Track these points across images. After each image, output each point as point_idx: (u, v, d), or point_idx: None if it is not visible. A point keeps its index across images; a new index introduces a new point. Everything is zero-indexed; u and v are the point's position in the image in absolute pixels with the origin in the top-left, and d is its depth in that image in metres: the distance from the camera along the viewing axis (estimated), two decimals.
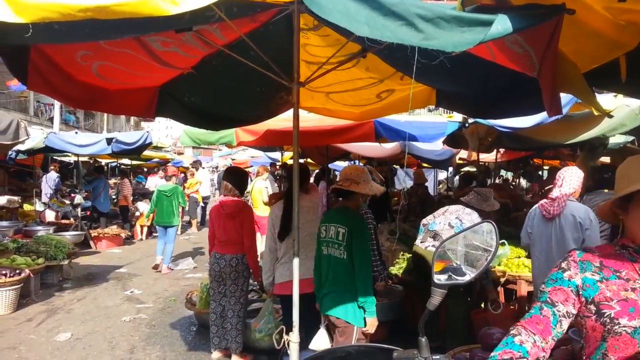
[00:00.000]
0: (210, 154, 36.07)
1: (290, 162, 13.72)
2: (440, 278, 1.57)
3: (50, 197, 12.27)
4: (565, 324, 1.58)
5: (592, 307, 1.56)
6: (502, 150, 8.16)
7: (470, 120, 5.38)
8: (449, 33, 1.69)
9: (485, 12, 1.92)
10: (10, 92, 20.58)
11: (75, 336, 5.58)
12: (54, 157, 14.61)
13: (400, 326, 5.54)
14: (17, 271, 6.55)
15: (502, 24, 1.76)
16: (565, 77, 2.45)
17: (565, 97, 3.75)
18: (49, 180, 12.64)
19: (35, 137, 10.39)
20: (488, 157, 9.13)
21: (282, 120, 5.33)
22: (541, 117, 4.81)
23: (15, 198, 10.84)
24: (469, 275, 1.69)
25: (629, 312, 1.50)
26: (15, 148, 9.53)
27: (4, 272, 6.40)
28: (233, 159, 20.91)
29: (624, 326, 1.49)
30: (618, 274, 1.58)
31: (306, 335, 3.40)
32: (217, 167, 24.81)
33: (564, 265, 1.66)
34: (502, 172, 14.90)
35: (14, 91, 18.88)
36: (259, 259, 8.62)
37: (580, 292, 1.59)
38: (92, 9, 1.64)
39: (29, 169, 15.22)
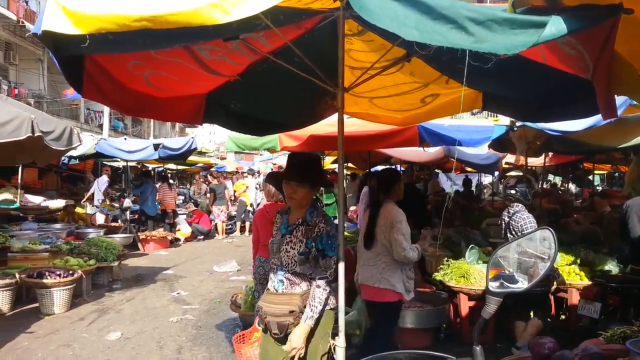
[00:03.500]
0: (252, 159, 36.57)
1: (331, 166, 13.76)
2: (493, 285, 1.54)
3: (101, 201, 12.74)
4: None
5: None
6: (550, 154, 7.92)
7: (518, 124, 5.25)
8: (501, 36, 1.66)
9: (537, 13, 1.88)
10: (62, 100, 21.57)
11: (125, 336, 5.75)
12: (104, 162, 15.17)
13: (445, 333, 5.47)
14: (70, 272, 6.81)
15: (556, 26, 1.72)
16: (621, 78, 2.36)
17: (618, 99, 3.62)
18: (100, 183, 13.15)
19: (86, 143, 10.82)
20: (536, 161, 8.88)
21: (325, 125, 5.36)
22: (593, 120, 4.64)
23: (72, 201, 11.35)
24: (523, 283, 1.65)
25: None
26: (68, 154, 9.94)
27: (58, 272, 6.67)
28: (274, 164, 21.12)
29: None
30: None
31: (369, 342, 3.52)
32: (258, 172, 25.08)
33: None
34: (550, 177, 14.47)
35: (68, 99, 19.76)
36: None
37: None
38: (147, 18, 1.70)
39: (80, 173, 15.88)
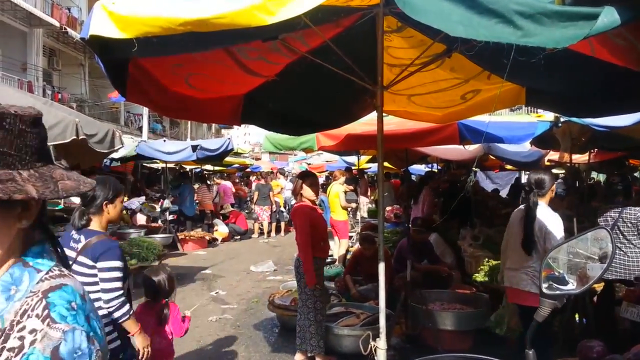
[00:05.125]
0: (286, 159, 36.82)
1: (366, 165, 13.70)
2: (545, 287, 1.49)
3: (142, 202, 13.05)
4: None
5: None
6: (595, 150, 7.64)
7: (563, 119, 5.07)
8: (550, 29, 1.61)
9: (587, 4, 1.81)
10: (103, 103, 22.21)
11: None
12: (144, 164, 15.54)
13: (487, 336, 5.35)
14: None
15: (609, 17, 1.65)
16: None
17: None
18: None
19: (127, 145, 11.08)
20: (579, 158, 8.58)
21: (362, 124, 5.32)
22: None
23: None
24: (573, 284, 1.59)
25: None
26: (110, 156, 10.20)
27: None
28: (308, 164, 21.15)
29: None
30: None
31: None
32: (291, 172, 25.20)
33: None
34: (594, 174, 13.99)
35: (111, 102, 20.34)
36: (337, 263, 8.65)
37: None
38: (193, 22, 1.71)
39: (122, 175, 16.30)
